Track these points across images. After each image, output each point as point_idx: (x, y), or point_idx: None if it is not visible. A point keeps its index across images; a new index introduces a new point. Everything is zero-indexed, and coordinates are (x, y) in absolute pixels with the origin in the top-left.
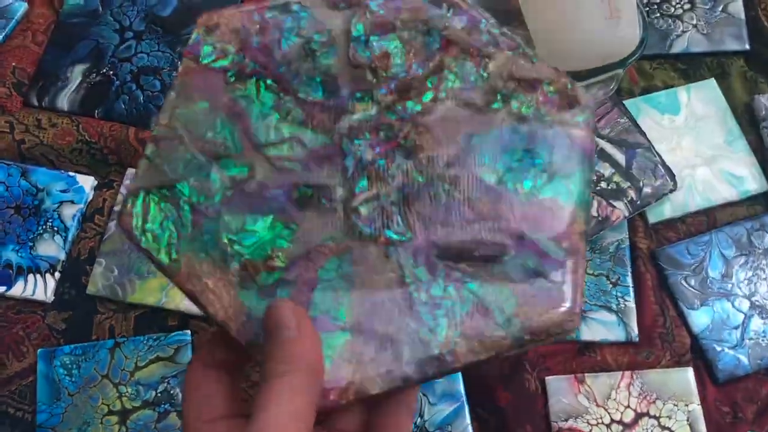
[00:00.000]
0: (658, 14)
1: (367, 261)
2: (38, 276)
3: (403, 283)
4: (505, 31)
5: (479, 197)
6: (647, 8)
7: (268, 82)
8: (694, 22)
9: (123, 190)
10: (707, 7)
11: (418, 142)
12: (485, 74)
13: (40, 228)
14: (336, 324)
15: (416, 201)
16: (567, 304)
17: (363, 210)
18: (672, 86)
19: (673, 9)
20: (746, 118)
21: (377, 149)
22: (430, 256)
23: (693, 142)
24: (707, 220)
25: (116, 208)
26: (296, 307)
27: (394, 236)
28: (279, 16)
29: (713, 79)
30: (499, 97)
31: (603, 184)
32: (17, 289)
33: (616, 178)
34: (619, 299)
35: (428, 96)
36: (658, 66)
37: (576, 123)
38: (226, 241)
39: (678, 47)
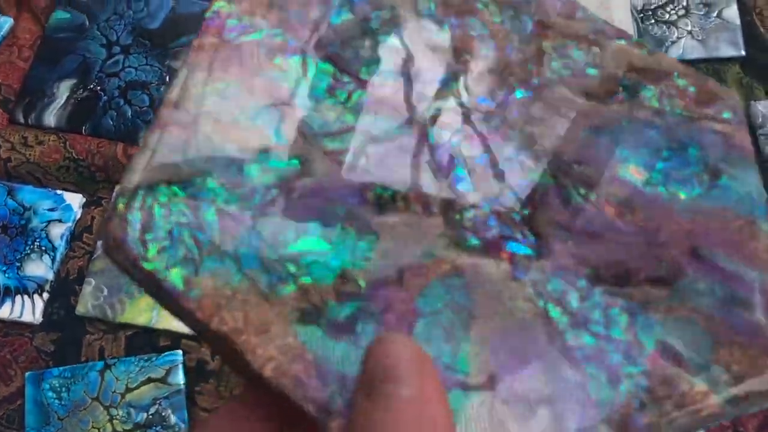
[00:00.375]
0: (653, 21)
1: (486, 286)
2: (26, 297)
3: (547, 316)
4: (606, 23)
5: (629, 205)
6: (641, 14)
7: (318, 62)
8: (689, 28)
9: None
10: (702, 13)
11: (531, 133)
12: (598, 62)
13: (27, 248)
14: (456, 378)
15: (544, 205)
16: None
17: (469, 217)
18: None
19: (667, 15)
20: None
21: (477, 141)
22: (580, 278)
23: None
24: None
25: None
26: (415, 345)
27: (523, 250)
28: None
29: None
30: (623, 89)
31: None
32: (4, 311)
33: None
34: None
35: (534, 81)
36: None
37: (725, 119)
38: (272, 256)
39: (673, 54)
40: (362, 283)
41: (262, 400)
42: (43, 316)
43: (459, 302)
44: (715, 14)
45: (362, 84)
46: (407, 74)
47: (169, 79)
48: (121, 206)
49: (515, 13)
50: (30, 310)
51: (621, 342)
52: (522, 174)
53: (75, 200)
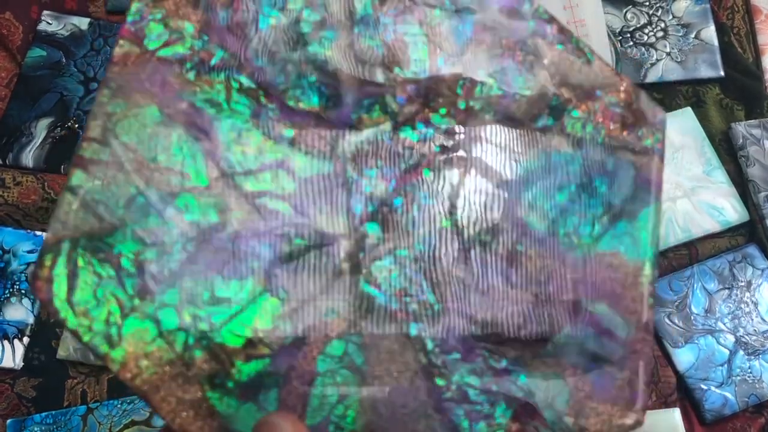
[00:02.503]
0: (632, 43)
1: (382, 345)
2: (6, 342)
3: (430, 373)
4: (552, 15)
5: (526, 252)
6: (620, 37)
7: (243, 81)
8: (668, 50)
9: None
10: (680, 34)
11: (445, 174)
12: (531, 77)
13: (7, 292)
14: None
15: (445, 257)
16: (638, 405)
17: (376, 271)
18: None
19: (646, 37)
20: (724, 147)
21: (393, 183)
22: (466, 338)
23: (672, 173)
24: (689, 254)
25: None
26: (297, 427)
27: (418, 308)
28: None
29: (689, 107)
30: (549, 111)
31: None
32: None
33: None
34: None
35: (460, 105)
36: None
37: (643, 148)
38: (187, 317)
39: (653, 76)
40: (268, 346)
41: None
42: (24, 361)
43: (355, 362)
44: (693, 35)
45: (287, 111)
46: (333, 95)
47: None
48: (48, 262)
49: (456, 9)
50: (10, 355)
51: (492, 396)
52: (430, 224)
53: None
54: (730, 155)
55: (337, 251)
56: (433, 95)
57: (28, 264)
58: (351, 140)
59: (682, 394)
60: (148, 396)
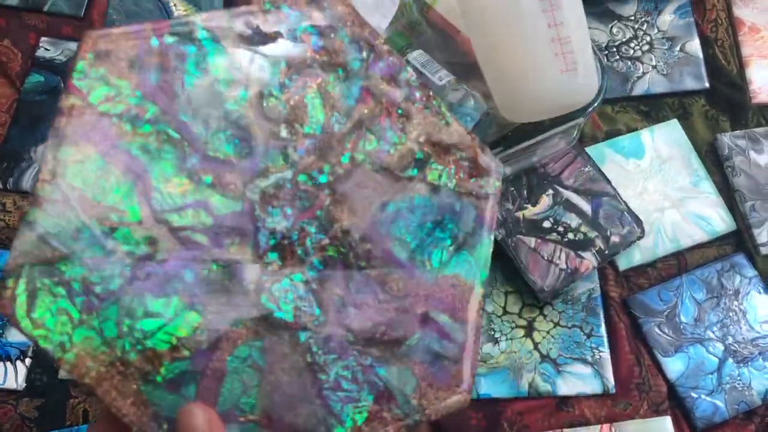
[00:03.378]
0: (618, 57)
1: (278, 348)
2: (8, 364)
3: (314, 370)
4: (422, 83)
5: (391, 274)
6: (606, 51)
7: (171, 132)
8: (654, 63)
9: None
10: (665, 47)
11: (333, 213)
12: (403, 136)
13: None
14: (245, 417)
15: (330, 280)
16: (464, 387)
17: (275, 290)
18: (635, 129)
19: (632, 51)
20: (710, 158)
21: (291, 220)
22: (342, 342)
23: (659, 185)
24: (678, 264)
25: None
26: (209, 411)
27: (306, 320)
28: (182, 44)
29: (676, 119)
30: (414, 163)
31: (570, 235)
32: None
33: (583, 229)
34: (594, 350)
35: (346, 158)
36: (620, 109)
37: (484, 195)
38: (125, 328)
39: (639, 89)
40: (189, 350)
41: (118, 424)
42: (26, 382)
43: (256, 362)
44: (678, 48)
45: (207, 159)
46: (245, 147)
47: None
48: (10, 284)
49: (347, 75)
50: (13, 376)
51: (357, 385)
52: (319, 253)
53: None
54: (716, 166)
55: (244, 275)
56: (326, 148)
57: None
58: (259, 184)
59: (673, 402)
60: (94, 389)
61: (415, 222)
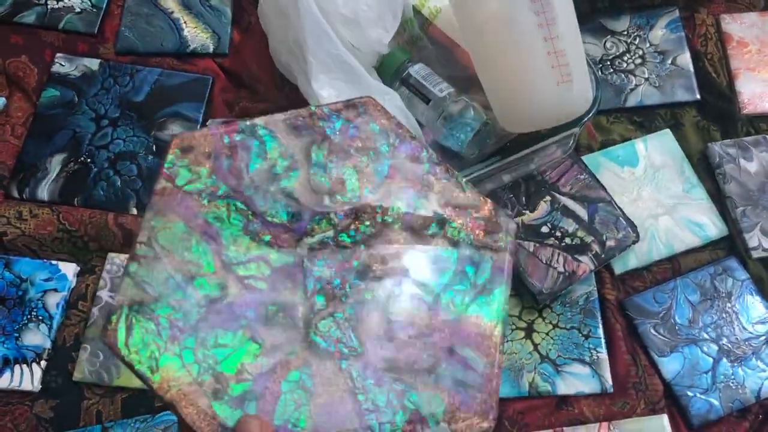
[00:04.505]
0: (612, 70)
1: (324, 373)
2: (24, 366)
3: (354, 393)
4: (440, 160)
5: (419, 314)
6: (600, 65)
7: (239, 204)
8: (646, 75)
9: (105, 280)
10: (657, 60)
11: (368, 264)
12: (424, 201)
13: (24, 318)
14: (296, 430)
15: (367, 318)
16: (491, 416)
17: (321, 326)
18: (629, 139)
19: (625, 64)
20: (702, 166)
21: (334, 269)
22: (378, 370)
23: (653, 192)
24: (672, 268)
25: (99, 294)
26: (263, 422)
27: (347, 351)
28: (247, 140)
29: (668, 129)
30: (436, 223)
31: (567, 240)
32: (4, 381)
33: (580, 233)
34: (592, 351)
35: (379, 219)
36: (614, 120)
37: (499, 247)
38: (200, 355)
39: (632, 101)
40: (252, 372)
41: None
42: (41, 384)
43: (306, 384)
44: (669, 61)
45: (266, 224)
46: (296, 213)
47: (156, 149)
48: (113, 320)
49: (377, 156)
50: (29, 378)
51: (393, 408)
52: (357, 295)
53: (69, 270)
54: (708, 173)
55: (296, 314)
56: (361, 213)
57: (45, 291)
58: (307, 242)
59: (669, 401)
60: (174, 404)
61: (439, 271)
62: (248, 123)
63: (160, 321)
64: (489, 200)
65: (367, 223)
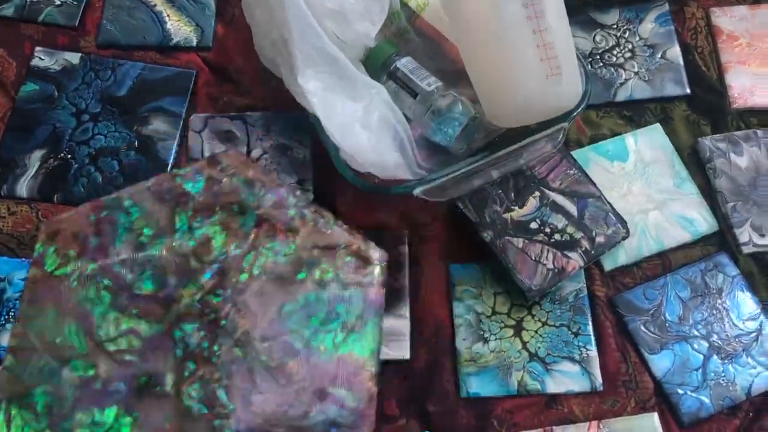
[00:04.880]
0: (601, 64)
1: None
2: None
3: None
4: (308, 204)
5: (290, 362)
6: (590, 59)
7: (106, 282)
8: (636, 69)
9: None
10: (647, 54)
11: (236, 321)
12: (293, 247)
13: (2, 318)
14: None
15: (237, 375)
16: None
17: (192, 391)
18: (619, 133)
19: (615, 58)
20: (692, 161)
21: (202, 332)
22: (251, 425)
23: (643, 187)
24: (662, 264)
25: None
26: None
27: (220, 410)
28: (113, 214)
29: (658, 124)
30: (304, 267)
31: (557, 236)
32: None
33: (570, 230)
34: (582, 349)
35: (245, 276)
36: (604, 114)
37: (369, 282)
38: None
39: (622, 95)
40: None
41: None
42: None
43: None
44: (659, 55)
45: (133, 297)
46: (162, 282)
47: (138, 144)
48: None
49: (243, 210)
50: None
51: None
52: (228, 356)
53: None
54: (698, 168)
55: (167, 381)
56: (228, 270)
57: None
58: (174, 309)
59: (660, 399)
60: None
61: (309, 315)
62: (114, 197)
63: (37, 409)
64: (358, 234)
65: (234, 279)
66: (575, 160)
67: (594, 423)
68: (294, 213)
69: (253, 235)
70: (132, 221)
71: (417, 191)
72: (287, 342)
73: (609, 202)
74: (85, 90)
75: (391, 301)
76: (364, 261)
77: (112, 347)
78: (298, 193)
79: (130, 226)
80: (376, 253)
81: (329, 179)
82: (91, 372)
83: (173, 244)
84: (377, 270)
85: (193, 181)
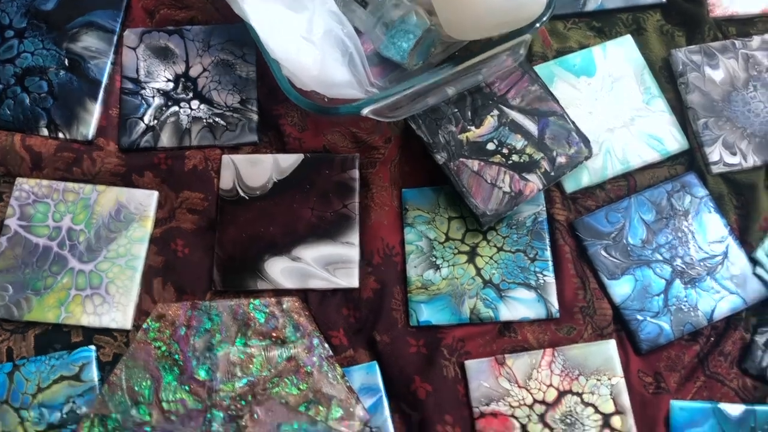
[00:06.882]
0: None
1: None
2: None
3: None
4: (329, 355)
5: None
6: None
7: (179, 361)
8: None
9: (13, 207)
10: None
11: (248, 424)
12: (305, 386)
13: None
14: None
15: None
16: None
17: None
18: (587, 46)
19: None
20: (664, 75)
21: (225, 420)
22: None
23: (611, 103)
24: (627, 185)
25: (7, 223)
26: None
27: None
28: (201, 316)
29: (629, 35)
30: (307, 403)
31: (515, 157)
32: None
33: (529, 150)
34: (538, 275)
35: (266, 394)
36: (572, 26)
37: (342, 426)
38: None
39: (592, 4)
40: None
41: None
42: None
43: None
44: None
45: (192, 378)
46: (214, 375)
47: (68, 63)
48: (85, 424)
49: (283, 344)
50: None
51: None
52: None
53: None
54: (670, 83)
55: None
56: (256, 384)
57: None
58: (214, 397)
59: (618, 325)
60: None
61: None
62: (207, 304)
63: (108, 428)
64: (353, 394)
65: (258, 393)
66: (537, 75)
67: (548, 350)
68: (316, 360)
69: (282, 366)
70: (212, 326)
71: (365, 111)
72: None
73: (572, 120)
74: (8, 4)
75: (339, 228)
76: (350, 416)
77: (165, 406)
78: (326, 345)
79: (208, 329)
80: (361, 413)
81: (275, 99)
82: (147, 418)
83: (230, 352)
84: (356, 426)
85: (260, 311)
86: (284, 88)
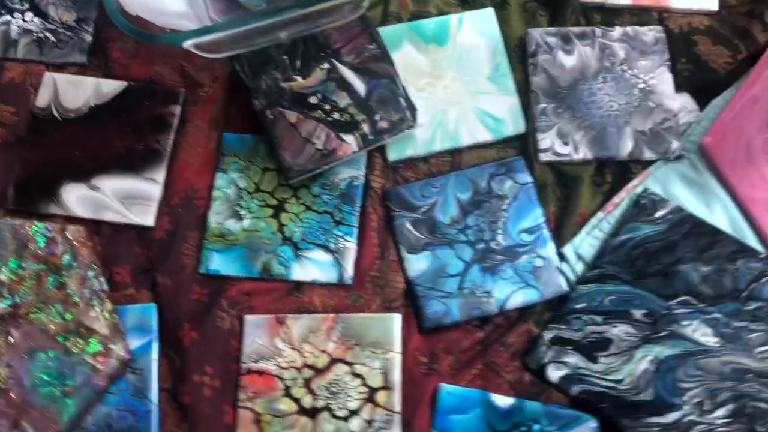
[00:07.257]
0: None
1: None
2: None
3: None
4: (104, 291)
5: (13, 389)
6: None
7: None
8: None
9: None
10: None
11: (1, 345)
12: (69, 316)
13: None
14: None
15: None
16: None
17: None
18: (447, 14)
19: None
20: (518, 54)
21: None
22: None
23: (455, 76)
24: (452, 161)
25: None
26: None
27: None
28: None
29: (492, 8)
30: (66, 334)
31: (336, 115)
32: None
33: (352, 110)
34: (339, 239)
35: (27, 317)
36: None
37: (101, 370)
38: None
39: None
40: None
41: None
42: None
43: None
44: None
45: None
46: None
47: None
48: None
49: (56, 271)
50: None
51: None
52: None
53: None
54: (522, 63)
55: None
56: (20, 306)
57: None
58: None
59: (408, 301)
60: None
61: (46, 367)
62: None
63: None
64: (120, 334)
65: (19, 315)
66: (378, 34)
67: (331, 316)
68: (87, 293)
69: (50, 293)
70: None
71: (187, 43)
72: (20, 377)
73: (403, 87)
74: None
75: (146, 162)
76: (108, 353)
77: None
78: (102, 279)
79: None
80: (121, 352)
81: (112, 21)
82: None
83: (0, 271)
84: (112, 363)
85: (42, 235)
86: (106, 5)
